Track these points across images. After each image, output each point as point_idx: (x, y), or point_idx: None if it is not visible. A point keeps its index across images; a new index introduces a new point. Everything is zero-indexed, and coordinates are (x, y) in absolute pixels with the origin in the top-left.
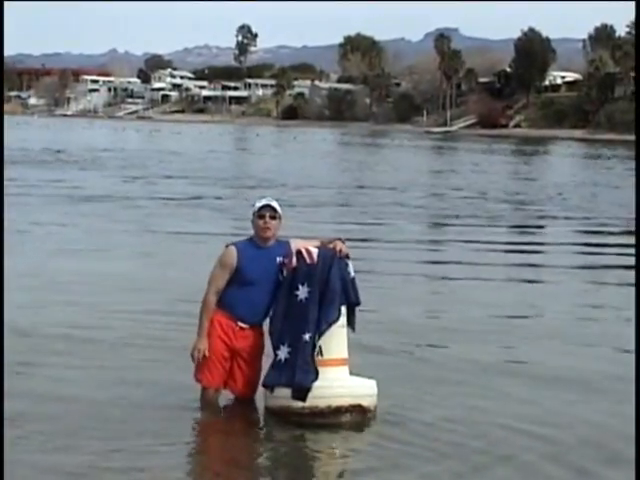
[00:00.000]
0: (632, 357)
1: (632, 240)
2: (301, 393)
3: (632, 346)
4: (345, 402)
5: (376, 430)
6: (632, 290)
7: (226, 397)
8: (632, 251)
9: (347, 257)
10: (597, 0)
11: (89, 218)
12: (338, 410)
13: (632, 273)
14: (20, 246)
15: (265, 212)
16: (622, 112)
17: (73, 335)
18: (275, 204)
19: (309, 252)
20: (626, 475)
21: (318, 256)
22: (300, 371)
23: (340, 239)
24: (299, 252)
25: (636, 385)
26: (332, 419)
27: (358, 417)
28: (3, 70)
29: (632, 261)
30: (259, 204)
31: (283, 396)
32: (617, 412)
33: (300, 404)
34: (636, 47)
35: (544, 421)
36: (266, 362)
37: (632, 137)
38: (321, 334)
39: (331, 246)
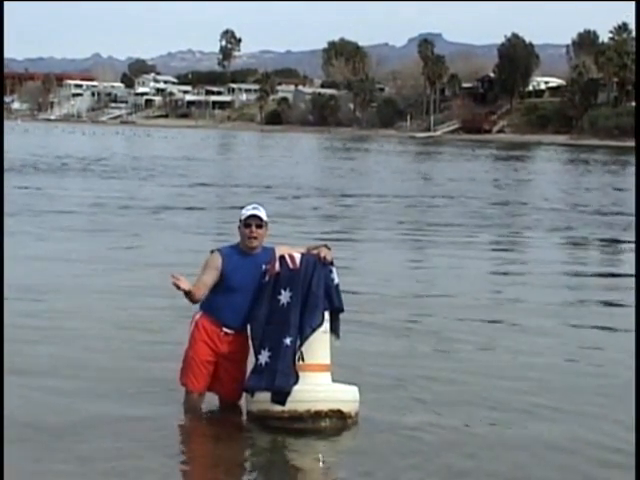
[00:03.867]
0: None
1: None
2: (280, 397)
3: None
4: (325, 407)
5: (356, 436)
6: None
7: (210, 401)
8: None
9: (331, 263)
10: (581, 3)
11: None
12: (317, 415)
13: None
14: None
15: (252, 221)
16: (605, 118)
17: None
18: (261, 213)
19: (292, 257)
20: None
21: (301, 262)
22: (280, 375)
23: (326, 245)
24: (282, 257)
25: (636, 385)
26: (311, 424)
27: (338, 422)
28: (3, 73)
29: None
30: (246, 213)
31: (263, 400)
32: None
33: (280, 408)
34: (636, 51)
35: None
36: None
37: (614, 143)
38: (305, 339)
39: (315, 252)
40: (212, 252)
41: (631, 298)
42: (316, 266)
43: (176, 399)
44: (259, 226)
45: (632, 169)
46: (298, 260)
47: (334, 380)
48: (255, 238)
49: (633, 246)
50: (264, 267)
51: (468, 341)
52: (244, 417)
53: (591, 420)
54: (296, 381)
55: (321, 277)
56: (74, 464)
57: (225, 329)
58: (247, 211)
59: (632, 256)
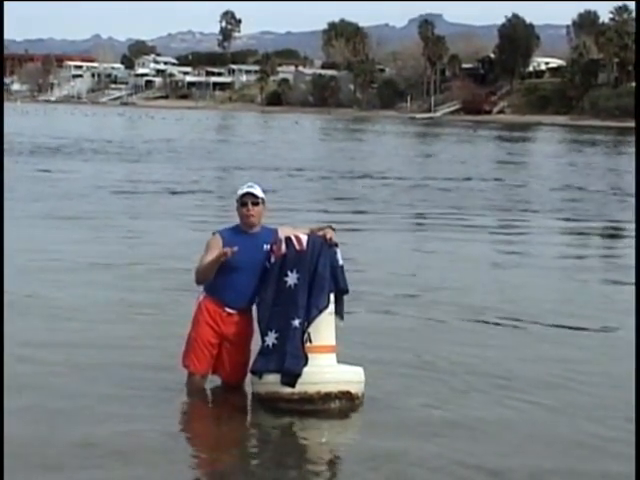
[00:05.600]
0: None
1: None
2: (290, 379)
3: None
4: (334, 388)
5: (363, 417)
6: None
7: (213, 383)
8: None
9: (336, 245)
10: None
11: None
12: (327, 396)
13: None
14: None
15: (247, 199)
16: (605, 98)
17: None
18: (257, 190)
19: (298, 239)
20: None
21: (307, 243)
22: (290, 357)
23: (330, 227)
24: (288, 239)
25: (636, 383)
26: (321, 405)
27: (346, 404)
28: (3, 67)
29: None
30: (241, 191)
31: (272, 382)
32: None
33: (289, 390)
34: (636, 41)
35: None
36: (255, 349)
37: (615, 123)
38: (311, 320)
39: (320, 233)
40: (213, 234)
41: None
42: (322, 247)
43: (178, 381)
44: (255, 203)
45: None
46: (305, 241)
47: (337, 361)
48: (252, 216)
49: None
50: (266, 247)
51: (471, 324)
52: (247, 399)
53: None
54: (306, 363)
55: (327, 258)
56: (74, 445)
57: (228, 309)
58: (242, 190)
59: None
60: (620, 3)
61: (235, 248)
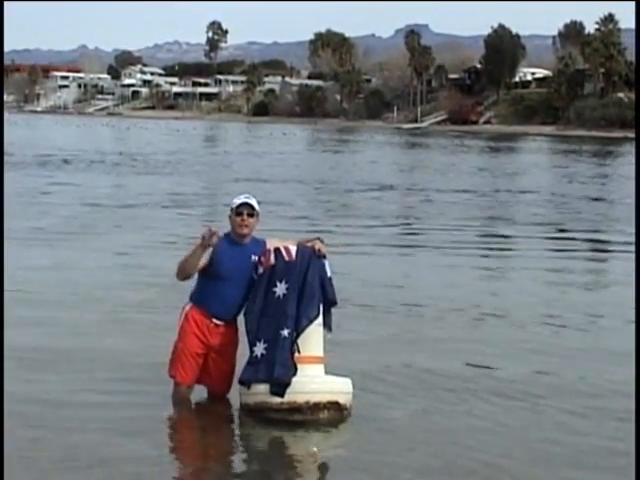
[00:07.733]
0: None
1: None
2: (280, 388)
3: None
4: (323, 398)
5: (350, 427)
6: None
7: (200, 393)
8: None
9: (324, 257)
10: None
11: None
12: (316, 406)
13: None
14: None
15: (243, 210)
16: (591, 109)
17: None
18: (253, 202)
19: (287, 249)
20: None
21: (296, 254)
22: (279, 366)
23: (319, 238)
24: (277, 250)
25: (636, 384)
26: (309, 415)
27: (335, 414)
28: (3, 70)
29: None
30: (238, 201)
31: (260, 392)
32: None
33: (278, 400)
34: (636, 47)
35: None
36: (241, 359)
37: (601, 134)
38: (302, 330)
39: (309, 245)
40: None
41: None
42: (311, 258)
43: (164, 391)
44: (250, 215)
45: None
46: (294, 252)
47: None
48: (246, 226)
49: None
50: (254, 258)
51: (455, 333)
52: (233, 409)
53: None
54: (295, 372)
55: (316, 269)
56: (59, 454)
57: (215, 320)
58: (239, 200)
59: None
60: (606, 11)
61: (220, 233)
